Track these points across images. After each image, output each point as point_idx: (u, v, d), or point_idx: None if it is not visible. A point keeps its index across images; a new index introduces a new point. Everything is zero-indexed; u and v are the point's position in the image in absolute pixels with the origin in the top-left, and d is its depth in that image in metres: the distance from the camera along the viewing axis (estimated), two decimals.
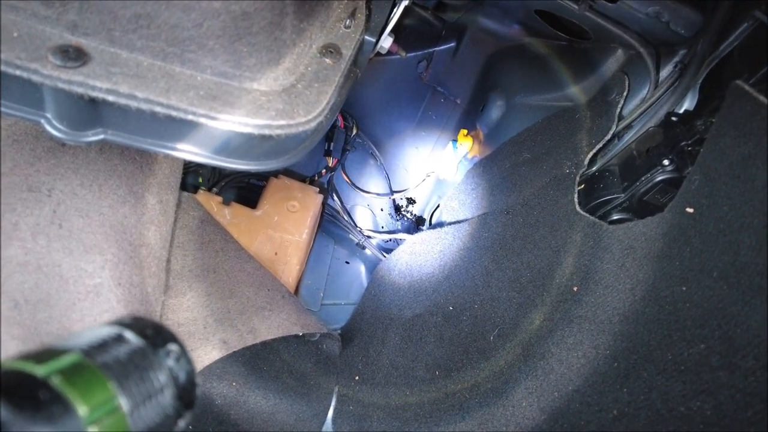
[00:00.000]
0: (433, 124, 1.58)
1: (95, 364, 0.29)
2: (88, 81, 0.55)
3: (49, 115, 0.59)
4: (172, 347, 0.33)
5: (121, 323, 0.32)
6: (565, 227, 0.96)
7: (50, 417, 0.26)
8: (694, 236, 0.72)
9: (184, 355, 0.33)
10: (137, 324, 0.33)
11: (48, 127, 0.59)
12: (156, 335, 0.33)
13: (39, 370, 0.27)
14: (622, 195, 0.93)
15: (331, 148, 1.54)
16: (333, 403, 1.10)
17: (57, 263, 0.78)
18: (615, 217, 0.94)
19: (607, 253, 0.87)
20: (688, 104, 0.94)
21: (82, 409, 0.27)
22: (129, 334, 0.32)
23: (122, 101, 0.57)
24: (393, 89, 1.54)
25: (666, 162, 0.86)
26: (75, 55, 0.55)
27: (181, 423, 0.33)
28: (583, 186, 1.00)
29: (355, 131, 1.57)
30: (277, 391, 1.05)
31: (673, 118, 0.92)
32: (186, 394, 0.32)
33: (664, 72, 0.97)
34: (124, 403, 0.29)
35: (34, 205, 0.78)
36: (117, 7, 0.56)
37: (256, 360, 1.06)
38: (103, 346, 0.30)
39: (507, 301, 1.00)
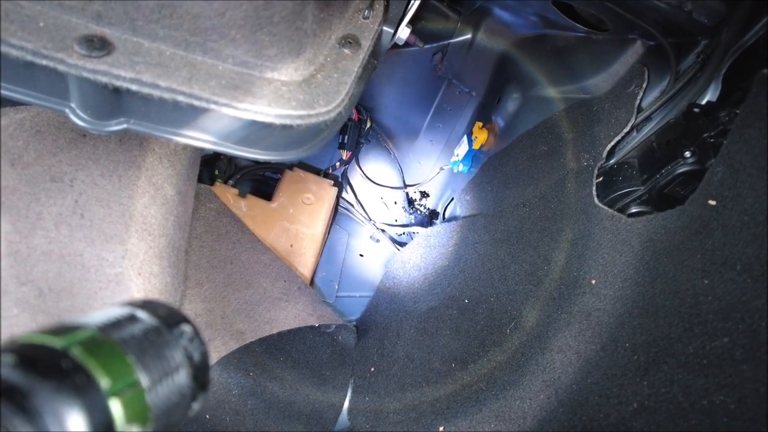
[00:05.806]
0: (447, 117, 1.57)
1: (112, 339, 0.28)
2: (112, 70, 0.55)
3: (73, 105, 0.59)
4: (185, 327, 0.32)
5: (132, 304, 0.32)
6: (584, 220, 0.95)
7: (75, 387, 0.24)
8: (716, 229, 0.71)
9: (197, 335, 0.32)
10: (148, 305, 0.32)
11: (72, 117, 0.60)
12: (168, 316, 0.32)
13: (57, 342, 0.26)
14: (642, 187, 0.92)
15: (346, 141, 1.54)
16: (348, 394, 1.11)
17: (79, 252, 0.79)
18: (634, 210, 0.93)
19: (626, 246, 0.86)
20: (710, 96, 0.92)
21: (104, 381, 0.26)
22: (142, 314, 0.31)
23: (145, 90, 0.57)
24: (407, 81, 1.53)
25: (688, 154, 0.85)
26: (99, 45, 0.56)
27: (195, 405, 0.32)
28: (601, 179, 0.99)
29: (369, 124, 1.57)
30: (294, 381, 1.06)
31: (695, 110, 0.90)
32: (200, 374, 0.32)
33: (685, 63, 0.95)
34: (143, 378, 0.28)
35: (57, 195, 0.79)
36: None
37: (272, 350, 1.07)
38: (117, 324, 0.29)
39: (524, 294, 1.00)
